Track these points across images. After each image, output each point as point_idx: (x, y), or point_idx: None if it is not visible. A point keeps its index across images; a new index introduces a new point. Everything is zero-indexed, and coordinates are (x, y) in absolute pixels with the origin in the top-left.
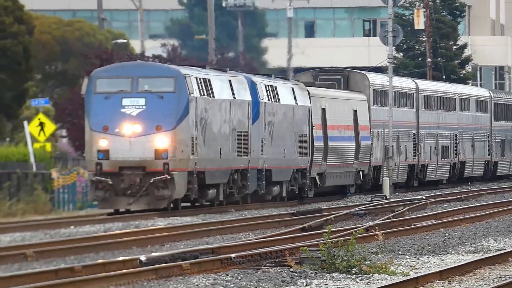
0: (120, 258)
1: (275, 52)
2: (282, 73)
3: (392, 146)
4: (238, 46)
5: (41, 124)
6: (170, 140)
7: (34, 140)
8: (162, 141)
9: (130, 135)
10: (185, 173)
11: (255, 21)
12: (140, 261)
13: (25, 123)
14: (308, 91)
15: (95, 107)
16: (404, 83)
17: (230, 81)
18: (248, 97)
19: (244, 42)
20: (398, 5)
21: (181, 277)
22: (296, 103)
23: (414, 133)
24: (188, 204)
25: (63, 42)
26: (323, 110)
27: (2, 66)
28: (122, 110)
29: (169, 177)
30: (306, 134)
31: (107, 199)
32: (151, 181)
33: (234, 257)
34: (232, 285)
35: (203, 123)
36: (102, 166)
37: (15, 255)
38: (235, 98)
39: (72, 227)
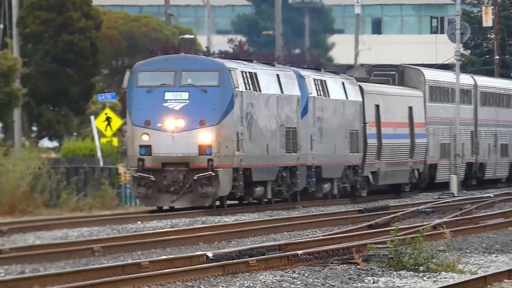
0: (187, 254)
1: (342, 48)
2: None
3: (448, 143)
4: (305, 42)
5: (108, 119)
6: (214, 136)
7: (101, 135)
8: (206, 136)
9: (173, 130)
10: (230, 169)
11: (321, 17)
12: (207, 257)
13: (92, 118)
14: (360, 86)
15: (137, 101)
16: (462, 79)
17: (278, 75)
18: (296, 91)
19: (311, 38)
20: (466, 2)
21: (247, 273)
22: (347, 98)
23: (472, 130)
24: (236, 202)
25: (130, 37)
26: (377, 106)
27: (69, 61)
28: (165, 104)
29: (213, 174)
30: (357, 130)
31: (149, 196)
32: (195, 177)
33: (301, 254)
34: (299, 282)
35: (248, 118)
36: (144, 162)
37: (82, 250)
38: (283, 92)
39: (139, 222)
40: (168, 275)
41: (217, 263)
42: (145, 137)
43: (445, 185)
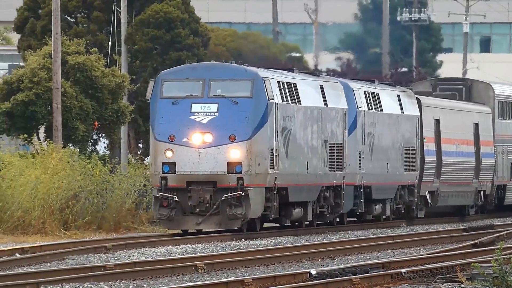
0: (291, 272)
1: (450, 66)
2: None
3: None
4: (412, 60)
5: None
6: (245, 152)
7: None
8: (235, 152)
9: (200, 145)
10: (262, 189)
11: (430, 36)
12: (311, 274)
13: None
14: (418, 99)
15: (160, 113)
16: None
17: (321, 86)
18: (343, 104)
19: (418, 56)
20: None
21: None
22: (402, 112)
23: None
24: (275, 224)
25: (238, 54)
26: (437, 121)
27: None
28: (191, 117)
29: (243, 194)
30: (414, 147)
31: (172, 218)
32: (223, 198)
33: (404, 272)
34: None
35: (285, 133)
36: (168, 181)
37: (186, 267)
38: (326, 105)
39: (243, 240)
40: None
41: (321, 280)
42: (168, 153)
43: None
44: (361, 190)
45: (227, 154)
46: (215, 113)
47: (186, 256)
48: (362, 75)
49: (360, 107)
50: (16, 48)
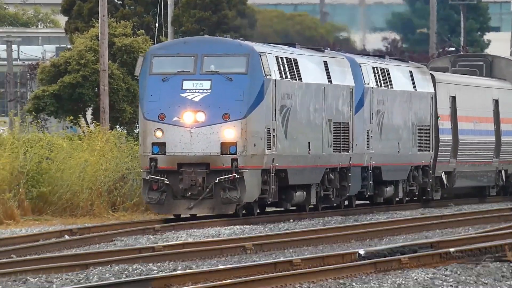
0: (339, 252)
1: (498, 46)
2: None
3: None
4: (460, 40)
5: None
6: (240, 132)
7: None
8: (230, 132)
9: (192, 125)
10: (259, 171)
11: (477, 15)
12: (359, 254)
13: None
14: (433, 75)
15: (150, 91)
16: None
17: (325, 62)
18: (349, 81)
19: (466, 35)
20: None
21: (399, 271)
22: (415, 89)
23: None
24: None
25: (285, 35)
26: (453, 98)
27: None
28: (183, 94)
29: (238, 176)
30: (428, 126)
31: (162, 202)
32: (216, 180)
33: (453, 252)
34: (451, 279)
35: (284, 112)
36: (158, 163)
37: (235, 248)
38: (331, 82)
39: (291, 220)
40: (320, 272)
41: (369, 260)
42: (158, 133)
43: None
44: (370, 171)
45: (220, 134)
46: (208, 90)
47: (235, 237)
48: (409, 55)
49: (368, 84)
50: (63, 31)
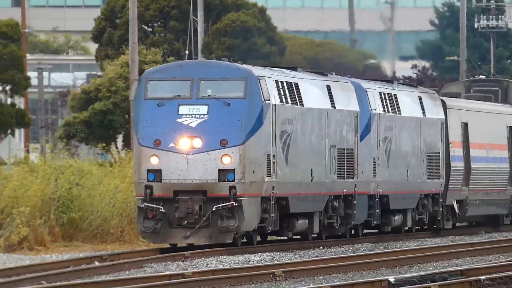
0: (369, 279)
1: None
2: None
3: None
4: (490, 67)
5: None
6: (238, 158)
7: None
8: (227, 159)
9: (188, 151)
10: (258, 199)
11: (507, 42)
12: (389, 282)
13: None
14: (443, 101)
15: (145, 116)
16: None
17: (328, 86)
18: (354, 106)
19: (496, 63)
20: None
21: None
22: (424, 115)
23: None
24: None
25: (314, 62)
26: (465, 125)
27: None
28: (179, 120)
29: (236, 204)
30: (438, 153)
31: (158, 231)
32: (214, 208)
33: (483, 280)
34: None
35: (285, 138)
36: (153, 190)
37: (264, 275)
38: (334, 107)
39: (321, 247)
40: None
41: None
42: (154, 160)
43: None
44: (377, 199)
45: (218, 160)
46: (205, 116)
47: (264, 263)
48: (439, 82)
49: (375, 109)
50: (94, 58)
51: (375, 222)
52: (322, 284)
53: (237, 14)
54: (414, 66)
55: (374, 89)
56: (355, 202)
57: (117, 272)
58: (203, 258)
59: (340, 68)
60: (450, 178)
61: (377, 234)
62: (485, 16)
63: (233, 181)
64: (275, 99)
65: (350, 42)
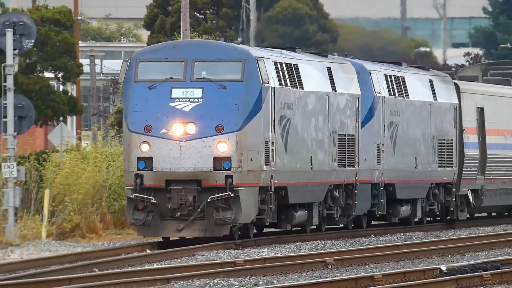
0: (420, 268)
1: None
2: None
3: None
4: None
5: None
6: (235, 145)
7: None
8: (223, 146)
9: (181, 137)
10: (256, 189)
11: None
12: (441, 270)
13: None
14: (457, 85)
15: (135, 100)
16: None
17: (329, 68)
18: (355, 90)
19: None
20: None
21: (481, 287)
22: (435, 99)
23: None
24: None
25: (366, 50)
26: (481, 110)
27: None
28: (172, 104)
29: (232, 195)
30: (451, 139)
31: (149, 224)
32: (209, 199)
33: None
34: None
35: (284, 123)
36: (144, 179)
37: (316, 263)
38: (335, 90)
39: (372, 236)
40: None
41: (451, 276)
42: (144, 147)
43: None
44: (381, 188)
45: (213, 147)
46: (200, 100)
47: (316, 252)
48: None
49: (379, 93)
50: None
51: (379, 212)
52: (373, 272)
53: (289, 1)
54: (467, 54)
55: (379, 71)
56: (356, 191)
57: (169, 260)
58: (254, 246)
59: (391, 55)
60: (464, 166)
61: (384, 226)
62: None
63: (229, 169)
64: (274, 82)
65: (402, 29)
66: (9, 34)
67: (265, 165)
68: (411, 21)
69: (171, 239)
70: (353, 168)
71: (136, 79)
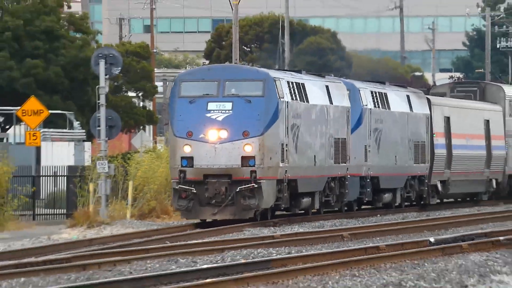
0: (414, 239)
1: None
2: None
3: None
4: (508, 78)
5: None
6: (258, 147)
7: None
8: (249, 147)
9: (216, 141)
10: (274, 181)
11: None
12: (430, 242)
13: None
14: (428, 99)
15: (179, 111)
16: None
17: (327, 86)
18: (346, 103)
19: None
20: None
21: (461, 254)
22: (411, 110)
23: None
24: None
25: (374, 74)
26: (447, 118)
27: None
28: (208, 114)
29: (256, 186)
30: (424, 142)
31: (190, 209)
32: (237, 189)
33: (502, 240)
34: (501, 261)
35: (294, 129)
36: (186, 174)
37: (334, 236)
38: (332, 103)
39: (378, 215)
40: (400, 255)
41: (437, 246)
42: (187, 149)
43: None
44: (368, 180)
45: (241, 149)
46: (230, 111)
47: (335, 228)
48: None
49: (366, 105)
50: None
51: (366, 199)
52: (379, 243)
53: (315, 38)
54: (451, 77)
55: (366, 88)
56: (347, 182)
57: (223, 235)
58: (288, 224)
59: (393, 78)
60: (434, 163)
61: (370, 209)
62: (505, 39)
63: (253, 166)
64: (287, 97)
65: (401, 58)
66: (102, 63)
67: (281, 162)
68: (408, 53)
69: (207, 221)
70: (346, 164)
71: (180, 95)
